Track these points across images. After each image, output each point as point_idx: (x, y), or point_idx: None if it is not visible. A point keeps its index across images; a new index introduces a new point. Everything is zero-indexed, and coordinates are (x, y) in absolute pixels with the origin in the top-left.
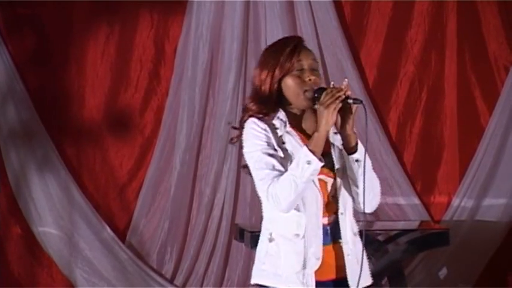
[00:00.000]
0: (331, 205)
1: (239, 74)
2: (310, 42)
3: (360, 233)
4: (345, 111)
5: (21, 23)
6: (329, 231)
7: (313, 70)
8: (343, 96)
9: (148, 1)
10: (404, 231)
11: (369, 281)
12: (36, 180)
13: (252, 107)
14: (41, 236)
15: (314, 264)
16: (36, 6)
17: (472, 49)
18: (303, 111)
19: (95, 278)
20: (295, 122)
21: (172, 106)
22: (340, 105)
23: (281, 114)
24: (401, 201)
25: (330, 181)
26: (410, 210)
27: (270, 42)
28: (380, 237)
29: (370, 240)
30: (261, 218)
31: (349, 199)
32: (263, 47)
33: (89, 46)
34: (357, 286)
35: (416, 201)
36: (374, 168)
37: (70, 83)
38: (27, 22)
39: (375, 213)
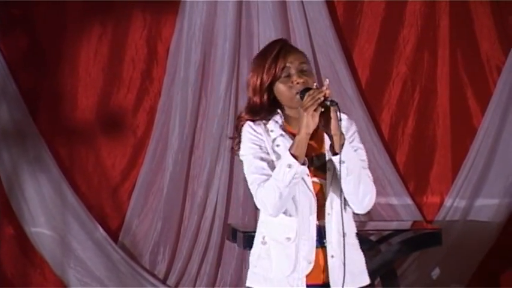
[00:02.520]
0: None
1: (232, 75)
2: (302, 43)
3: (357, 235)
4: (327, 112)
5: (13, 23)
6: (322, 234)
7: (302, 71)
8: (322, 98)
9: (140, 1)
10: (397, 232)
11: (364, 281)
12: (28, 180)
13: (245, 116)
14: (33, 236)
15: (305, 268)
16: (29, 6)
17: (465, 49)
18: (296, 110)
19: (87, 278)
20: (294, 124)
21: (164, 106)
22: (320, 107)
23: (277, 116)
24: (394, 201)
25: (324, 183)
26: (403, 210)
27: (262, 42)
28: (373, 237)
29: (362, 240)
30: (253, 218)
31: (337, 200)
32: (256, 47)
33: (82, 46)
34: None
35: (409, 201)
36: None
37: (63, 83)
38: (19, 22)
39: (368, 214)
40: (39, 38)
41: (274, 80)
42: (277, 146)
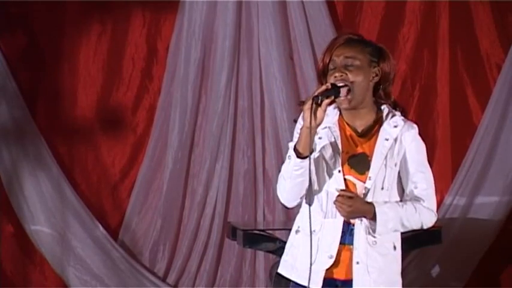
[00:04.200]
0: None
1: (231, 72)
2: (302, 41)
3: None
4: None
5: (13, 22)
6: (354, 232)
7: (346, 66)
8: (315, 94)
9: (140, 0)
10: None
11: None
12: (28, 178)
13: None
14: (33, 234)
15: (325, 262)
16: (28, 5)
17: (465, 47)
18: (357, 107)
19: (87, 276)
20: (348, 118)
21: (164, 104)
22: (314, 103)
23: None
24: None
25: (359, 184)
26: None
27: (262, 40)
28: None
29: None
30: (253, 216)
31: None
32: (255, 45)
33: (81, 45)
34: None
35: None
36: None
37: (62, 82)
38: (19, 21)
39: None
40: (39, 36)
41: (326, 70)
42: (320, 138)
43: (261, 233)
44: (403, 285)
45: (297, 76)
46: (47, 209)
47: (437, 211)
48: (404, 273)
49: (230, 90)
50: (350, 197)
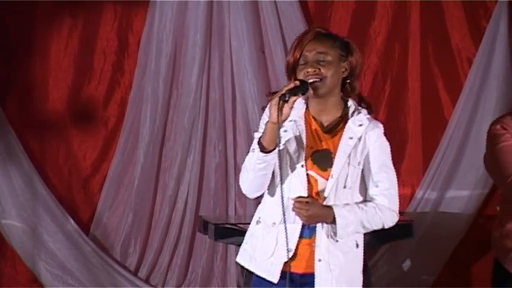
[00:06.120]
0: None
1: (203, 67)
2: (274, 35)
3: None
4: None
5: None
6: (312, 226)
7: (318, 61)
8: (282, 92)
9: None
10: None
11: None
12: None
13: None
14: (4, 228)
15: (284, 254)
16: None
17: (435, 41)
18: (322, 100)
19: (58, 270)
20: (315, 111)
21: (135, 98)
22: (281, 100)
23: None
24: None
25: (320, 180)
26: None
27: (233, 34)
28: None
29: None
30: (225, 211)
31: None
32: (227, 39)
33: (52, 38)
34: None
35: None
36: None
37: (33, 75)
38: None
39: None
40: (9, 29)
41: (296, 65)
42: (285, 131)
43: (233, 226)
44: (374, 278)
45: (268, 70)
46: (18, 203)
47: (408, 205)
48: (375, 267)
49: (201, 84)
50: (307, 202)
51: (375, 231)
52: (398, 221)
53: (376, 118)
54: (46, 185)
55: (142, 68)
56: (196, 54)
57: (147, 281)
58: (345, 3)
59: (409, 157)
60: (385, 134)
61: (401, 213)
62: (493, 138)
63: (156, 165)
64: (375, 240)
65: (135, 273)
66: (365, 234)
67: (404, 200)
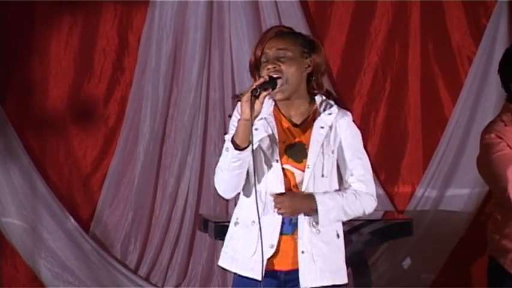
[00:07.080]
0: None
1: (203, 65)
2: None
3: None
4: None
5: None
6: (292, 221)
7: (278, 58)
8: (253, 87)
9: None
10: (368, 222)
11: (339, 279)
12: None
13: None
14: (4, 226)
15: (266, 251)
16: None
17: (436, 39)
18: (291, 98)
19: (58, 269)
20: (283, 108)
21: (136, 96)
22: (253, 96)
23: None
24: None
25: (297, 172)
26: None
27: (233, 32)
28: (344, 228)
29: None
30: (225, 208)
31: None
32: (227, 37)
33: (52, 36)
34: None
35: (380, 191)
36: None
37: (33, 74)
38: None
39: None
40: (9, 28)
41: (258, 63)
42: (256, 129)
43: None
44: (374, 276)
45: None
46: (18, 201)
47: (408, 203)
48: (375, 265)
49: (202, 82)
50: (286, 195)
51: (375, 231)
52: (398, 219)
53: (375, 116)
54: (46, 183)
55: (142, 66)
56: (196, 53)
57: (147, 279)
58: (345, 3)
59: (409, 155)
60: (382, 132)
61: (401, 211)
62: (488, 148)
63: (156, 163)
64: (374, 239)
65: (135, 271)
66: (365, 232)
67: (405, 198)
